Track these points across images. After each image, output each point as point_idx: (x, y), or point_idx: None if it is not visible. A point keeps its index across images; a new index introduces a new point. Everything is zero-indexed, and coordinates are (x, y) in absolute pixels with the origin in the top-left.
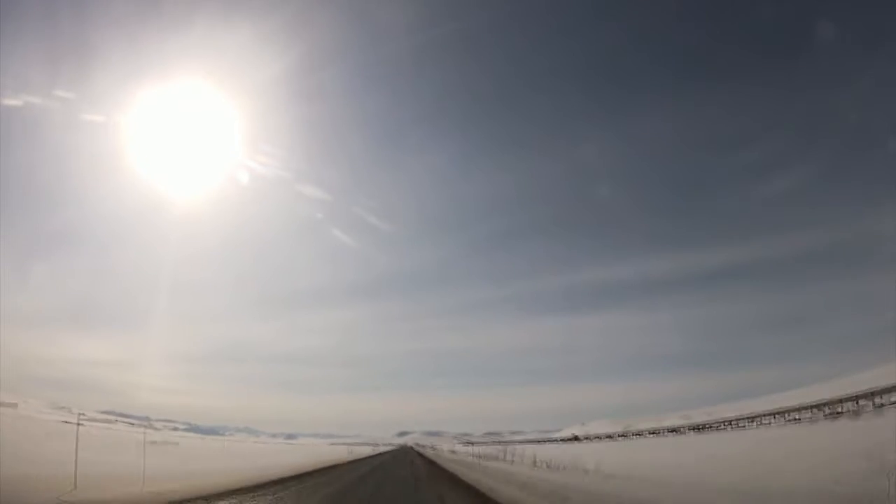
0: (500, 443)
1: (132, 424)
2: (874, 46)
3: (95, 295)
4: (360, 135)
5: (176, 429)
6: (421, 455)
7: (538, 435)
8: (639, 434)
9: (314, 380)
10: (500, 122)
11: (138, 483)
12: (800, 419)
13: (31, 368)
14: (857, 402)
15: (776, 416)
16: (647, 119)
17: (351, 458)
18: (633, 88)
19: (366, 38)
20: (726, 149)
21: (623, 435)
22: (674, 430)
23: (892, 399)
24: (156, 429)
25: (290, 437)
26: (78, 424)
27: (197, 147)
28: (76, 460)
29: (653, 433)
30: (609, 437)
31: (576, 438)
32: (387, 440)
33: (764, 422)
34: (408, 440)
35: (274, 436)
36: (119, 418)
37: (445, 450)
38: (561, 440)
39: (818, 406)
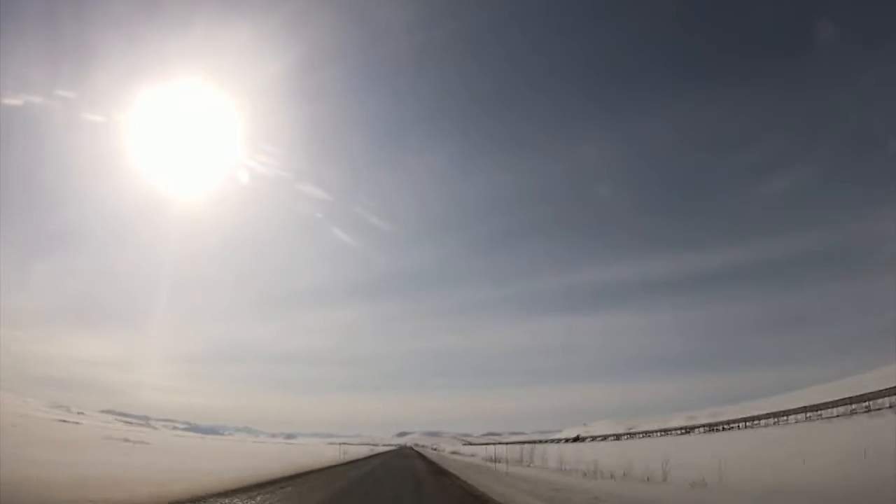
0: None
1: (129, 423)
2: (874, 46)
3: (95, 294)
4: (360, 134)
5: (176, 428)
6: (420, 455)
7: (538, 435)
8: (648, 434)
9: (314, 379)
10: (500, 122)
11: (73, 489)
12: (822, 416)
13: (31, 367)
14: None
15: (804, 412)
16: (647, 119)
17: (339, 461)
18: (633, 88)
19: (366, 38)
20: (726, 149)
21: (630, 435)
22: (685, 430)
23: None
24: (153, 428)
25: (289, 436)
26: None
27: (197, 147)
28: None
29: (664, 433)
30: (617, 437)
31: (578, 439)
32: (386, 440)
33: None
34: (407, 440)
35: (273, 436)
36: (118, 418)
37: (448, 451)
38: (566, 440)
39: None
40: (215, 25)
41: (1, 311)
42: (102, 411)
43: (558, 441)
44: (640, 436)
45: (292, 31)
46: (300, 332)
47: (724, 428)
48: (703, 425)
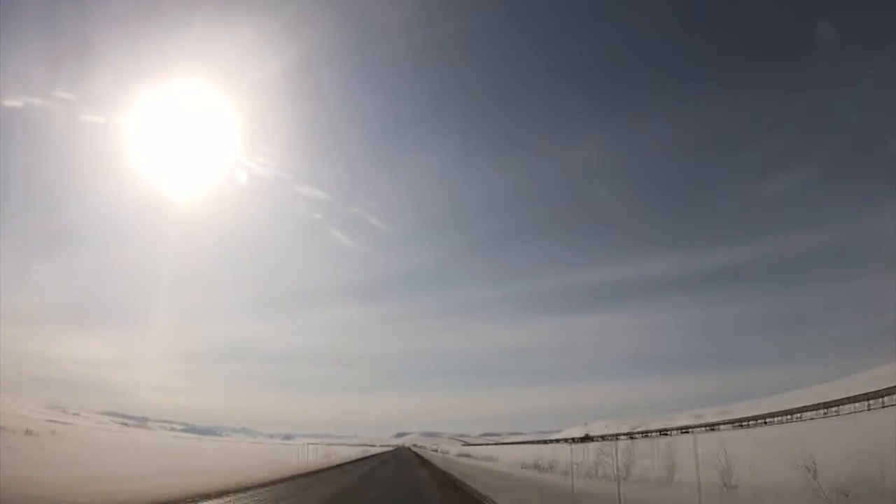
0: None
1: (126, 425)
2: (874, 46)
3: (95, 295)
4: (358, 134)
5: (174, 429)
6: (423, 460)
7: (537, 436)
8: (665, 432)
9: (312, 379)
10: (499, 122)
11: None
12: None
13: (30, 368)
14: None
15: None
16: (647, 119)
17: (306, 469)
18: (633, 88)
19: (364, 38)
20: (726, 149)
21: (643, 433)
22: (711, 427)
23: None
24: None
25: (287, 437)
26: None
27: (196, 147)
28: None
29: (684, 430)
30: (629, 436)
31: (587, 438)
32: (384, 441)
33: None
34: (405, 441)
35: (271, 436)
36: (116, 419)
37: (454, 453)
38: (573, 440)
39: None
40: (215, 25)
41: (1, 310)
42: (101, 413)
43: (560, 441)
44: (655, 434)
45: (291, 31)
46: (299, 332)
47: (748, 424)
48: (731, 421)
